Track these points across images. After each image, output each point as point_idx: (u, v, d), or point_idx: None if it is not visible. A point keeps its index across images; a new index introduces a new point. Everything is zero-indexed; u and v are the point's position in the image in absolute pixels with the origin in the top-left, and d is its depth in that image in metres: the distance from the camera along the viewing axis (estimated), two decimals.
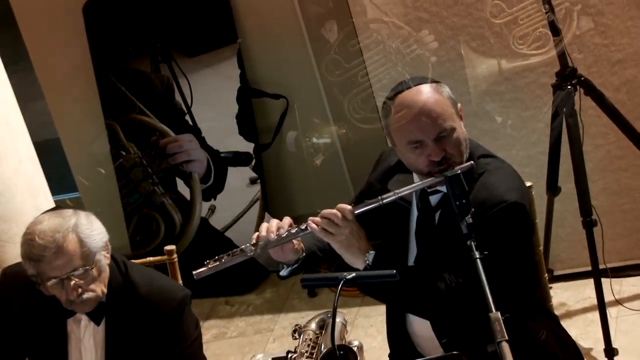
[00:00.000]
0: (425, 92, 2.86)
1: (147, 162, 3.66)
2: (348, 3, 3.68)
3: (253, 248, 2.90)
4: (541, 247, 3.27)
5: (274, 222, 2.95)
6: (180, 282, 3.12)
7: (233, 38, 4.75)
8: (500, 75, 3.44)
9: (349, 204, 2.90)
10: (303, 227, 2.91)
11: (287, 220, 2.96)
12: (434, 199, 2.94)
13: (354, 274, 2.60)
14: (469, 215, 2.65)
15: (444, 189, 2.87)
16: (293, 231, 2.91)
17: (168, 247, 3.15)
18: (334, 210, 2.90)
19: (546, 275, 3.24)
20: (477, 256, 2.58)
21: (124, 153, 3.67)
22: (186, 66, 5.11)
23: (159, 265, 3.09)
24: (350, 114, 3.44)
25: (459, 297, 2.83)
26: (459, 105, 2.88)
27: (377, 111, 3.49)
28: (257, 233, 2.95)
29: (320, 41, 4.12)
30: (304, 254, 3.01)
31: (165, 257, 3.18)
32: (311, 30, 4.15)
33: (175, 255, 3.15)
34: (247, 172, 5.19)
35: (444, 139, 2.80)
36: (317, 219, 2.90)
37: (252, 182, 5.32)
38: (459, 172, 2.71)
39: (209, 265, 2.85)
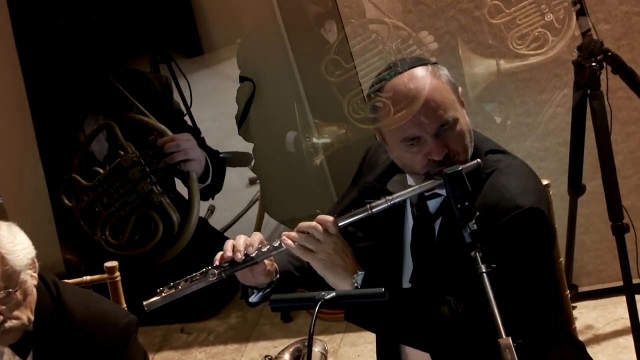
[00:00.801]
0: (421, 77, 2.44)
1: (145, 162, 3.66)
2: (348, 4, 3.69)
3: (216, 272, 2.52)
4: (562, 259, 2.92)
5: (242, 240, 2.54)
6: (124, 305, 2.75)
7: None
8: (499, 75, 3.27)
9: (331, 214, 2.53)
10: (276, 244, 2.52)
11: (256, 236, 2.56)
12: (433, 205, 2.52)
13: (333, 294, 2.23)
14: (473, 221, 2.27)
15: (445, 192, 2.42)
16: (264, 250, 2.51)
17: (109, 264, 2.75)
18: (314, 223, 2.48)
19: (568, 292, 2.80)
20: (483, 270, 2.20)
21: (122, 152, 3.67)
22: (185, 66, 5.12)
23: (98, 286, 2.73)
24: (350, 114, 3.43)
25: (467, 325, 2.40)
26: (459, 89, 2.50)
27: (376, 111, 3.47)
28: (220, 253, 2.55)
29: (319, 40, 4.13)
30: (278, 276, 2.61)
31: (105, 275, 2.75)
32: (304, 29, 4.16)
33: (117, 273, 2.76)
34: (246, 173, 5.20)
35: (446, 133, 2.40)
36: (293, 233, 2.49)
37: (252, 182, 5.34)
38: (460, 168, 2.32)
39: (163, 294, 2.51)
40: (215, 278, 2.50)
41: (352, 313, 2.46)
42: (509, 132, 3.47)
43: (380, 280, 2.43)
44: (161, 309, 2.54)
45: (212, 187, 3.87)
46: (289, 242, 2.47)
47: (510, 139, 3.36)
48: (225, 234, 4.71)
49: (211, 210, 5.16)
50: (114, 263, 2.73)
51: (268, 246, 2.51)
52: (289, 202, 4.58)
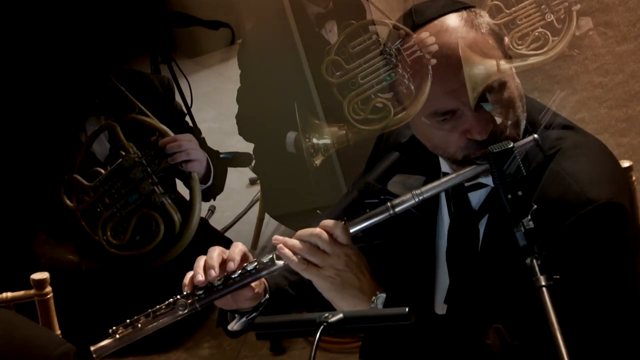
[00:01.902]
0: (453, 29, 1.90)
1: (147, 162, 3.66)
2: (349, 4, 3.70)
3: (187, 302, 2.01)
4: None
5: (215, 254, 2.00)
6: (58, 331, 2.21)
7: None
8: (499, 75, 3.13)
9: (338, 214, 1.99)
10: (267, 259, 1.99)
11: (237, 249, 2.03)
12: (476, 199, 1.99)
13: (340, 315, 1.65)
14: (529, 217, 1.74)
15: (491, 181, 1.85)
16: (251, 268, 1.99)
17: (37, 276, 2.21)
18: (317, 230, 1.95)
19: None
20: (543, 283, 1.66)
21: (123, 153, 3.68)
22: (186, 67, 5.14)
23: (22, 305, 2.18)
24: (351, 115, 3.44)
25: None
26: (505, 40, 1.96)
27: (376, 112, 3.49)
28: (189, 275, 2.02)
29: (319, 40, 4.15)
30: (267, 296, 2.08)
31: (32, 291, 2.19)
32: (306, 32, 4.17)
33: (48, 288, 2.19)
34: (247, 173, 5.22)
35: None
36: (292, 241, 1.95)
37: (252, 182, 5.35)
38: (511, 145, 1.78)
39: (117, 335, 2.03)
40: (186, 311, 2.02)
41: (368, 345, 1.91)
42: (578, 96, 2.74)
43: (408, 303, 1.76)
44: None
45: (214, 187, 3.88)
46: (288, 253, 1.93)
47: (580, 106, 2.68)
48: (226, 234, 4.72)
49: (212, 210, 5.17)
50: (44, 275, 2.20)
51: (255, 263, 2.00)
52: (290, 202, 4.59)
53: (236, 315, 2.08)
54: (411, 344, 1.87)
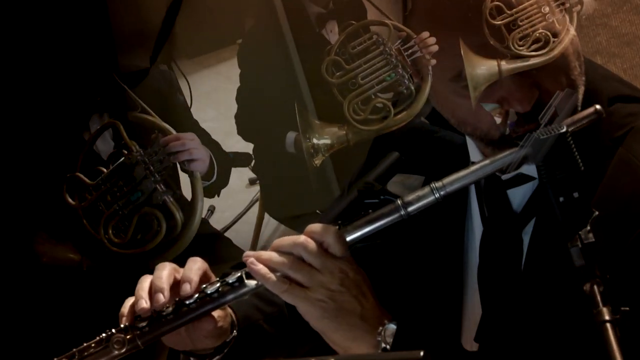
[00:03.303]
0: None
1: (149, 160, 3.68)
2: (350, 4, 3.72)
3: (125, 338, 1.50)
4: None
5: (165, 273, 1.49)
6: None
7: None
8: (500, 75, 3.22)
9: (333, 218, 1.51)
10: (233, 279, 1.48)
11: (195, 266, 1.54)
12: (518, 198, 1.53)
13: None
14: (588, 227, 1.27)
15: (534, 172, 1.45)
16: (212, 291, 1.48)
17: None
18: (303, 238, 1.48)
19: None
20: (607, 317, 1.20)
21: (125, 152, 3.69)
22: (186, 67, 5.14)
23: None
24: (351, 115, 3.46)
25: None
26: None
27: (376, 112, 3.51)
28: (128, 303, 1.53)
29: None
30: (235, 333, 1.60)
31: None
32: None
33: None
34: (246, 173, 5.23)
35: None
36: (270, 254, 1.46)
37: (252, 182, 5.36)
38: (565, 129, 1.33)
39: None
40: (124, 350, 1.50)
41: None
42: None
43: (427, 336, 1.40)
44: None
45: (218, 183, 3.89)
46: (262, 269, 1.41)
47: None
48: (226, 234, 4.73)
49: (211, 210, 5.18)
50: None
51: (218, 284, 1.49)
52: (290, 202, 4.60)
53: (192, 358, 1.60)
54: None
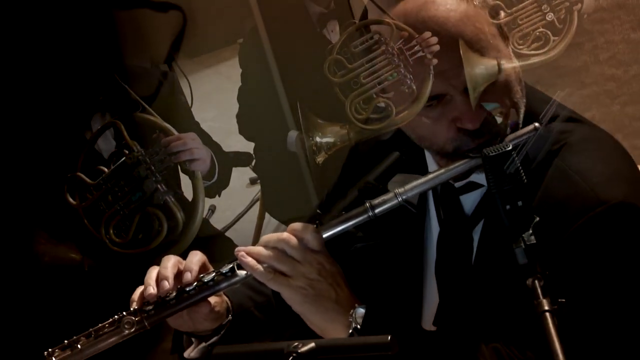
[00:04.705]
0: (442, 1, 1.75)
1: (151, 160, 3.68)
2: (350, 4, 3.72)
3: (135, 319, 1.76)
4: None
5: (170, 263, 1.81)
6: None
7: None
8: (500, 75, 3.13)
9: (314, 219, 1.77)
10: (226, 269, 1.76)
11: (195, 258, 1.84)
12: (469, 202, 1.78)
13: (312, 345, 1.43)
14: (530, 231, 1.48)
15: (483, 180, 1.67)
16: (208, 279, 1.76)
17: None
18: (286, 235, 1.74)
19: None
20: (546, 308, 1.41)
21: (126, 151, 3.69)
22: (186, 67, 5.15)
23: None
24: (353, 114, 3.47)
25: None
26: (501, 14, 1.87)
27: (378, 112, 3.51)
28: (139, 290, 1.80)
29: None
30: (230, 317, 1.85)
31: None
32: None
33: None
34: (247, 172, 5.23)
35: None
36: (257, 249, 1.73)
37: (253, 182, 5.37)
38: (510, 147, 1.53)
39: (54, 358, 1.84)
40: (133, 330, 1.77)
41: None
42: (587, 90, 2.41)
43: (391, 319, 1.65)
44: None
45: (219, 183, 3.90)
46: (251, 261, 1.69)
47: (589, 103, 2.36)
48: (227, 234, 4.73)
49: (212, 210, 5.19)
50: None
51: (213, 274, 1.77)
52: (290, 202, 4.60)
53: (193, 339, 1.84)
54: None
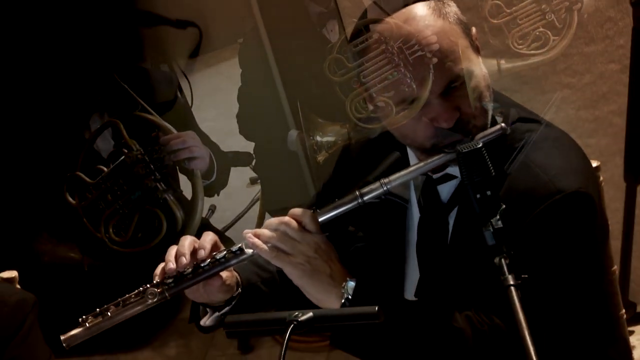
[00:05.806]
0: (420, 18, 1.97)
1: (150, 159, 3.69)
2: (337, 3, 3.72)
3: (157, 291, 2.03)
4: (616, 267, 2.16)
5: (187, 242, 2.03)
6: None
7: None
8: (500, 75, 3.10)
9: (311, 206, 2.03)
10: (235, 248, 2.02)
11: (208, 237, 2.06)
12: (445, 191, 2.03)
13: (310, 314, 1.70)
14: (497, 216, 1.74)
15: (457, 172, 1.92)
16: (220, 256, 2.01)
17: (5, 275, 2.24)
18: (287, 218, 1.98)
19: (624, 312, 2.17)
20: (511, 282, 1.68)
21: (125, 150, 3.70)
22: (186, 66, 5.15)
23: None
24: (353, 113, 3.47)
25: (495, 347, 1.85)
26: (473, 30, 2.04)
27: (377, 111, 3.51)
28: (160, 266, 2.05)
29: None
30: (240, 290, 2.10)
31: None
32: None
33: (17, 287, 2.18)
34: (247, 172, 5.23)
35: (456, 92, 1.93)
36: (262, 231, 1.99)
37: (253, 182, 5.36)
38: (480, 144, 1.79)
39: (88, 324, 2.05)
40: (156, 299, 2.02)
41: (339, 336, 1.92)
42: (545, 97, 2.72)
43: (378, 291, 1.93)
44: None
45: (217, 183, 3.90)
46: (257, 241, 1.95)
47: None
48: (227, 233, 4.73)
49: (212, 210, 5.18)
50: (12, 273, 2.19)
51: (225, 252, 2.02)
52: (290, 202, 4.60)
53: (208, 309, 2.09)
54: (382, 333, 1.88)
